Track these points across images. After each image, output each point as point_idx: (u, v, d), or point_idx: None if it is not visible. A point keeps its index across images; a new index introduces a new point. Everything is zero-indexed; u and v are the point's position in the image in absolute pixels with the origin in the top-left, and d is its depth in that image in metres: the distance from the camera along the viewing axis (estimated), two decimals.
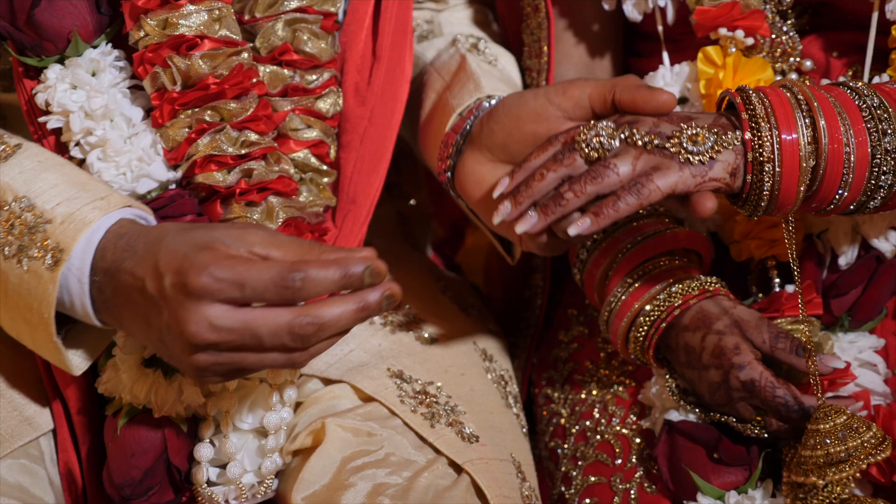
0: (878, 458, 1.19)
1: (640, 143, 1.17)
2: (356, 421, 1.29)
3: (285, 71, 1.30)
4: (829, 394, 1.31)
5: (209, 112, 1.24)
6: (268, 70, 1.29)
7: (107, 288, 1.15)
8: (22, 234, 1.16)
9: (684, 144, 1.16)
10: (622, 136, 1.17)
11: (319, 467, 1.26)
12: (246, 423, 1.28)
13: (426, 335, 1.42)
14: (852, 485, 1.23)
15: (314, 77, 1.32)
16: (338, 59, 1.36)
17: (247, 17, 1.29)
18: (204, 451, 1.26)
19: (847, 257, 1.38)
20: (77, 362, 1.20)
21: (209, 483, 1.27)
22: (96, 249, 1.15)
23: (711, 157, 1.16)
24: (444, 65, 1.48)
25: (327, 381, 1.34)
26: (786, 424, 1.28)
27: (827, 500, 1.22)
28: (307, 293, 1.09)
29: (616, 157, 1.16)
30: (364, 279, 1.10)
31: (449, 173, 1.36)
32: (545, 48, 1.46)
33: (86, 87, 1.24)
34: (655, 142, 1.16)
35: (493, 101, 1.37)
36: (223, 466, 1.27)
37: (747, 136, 1.16)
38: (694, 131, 1.16)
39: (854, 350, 1.36)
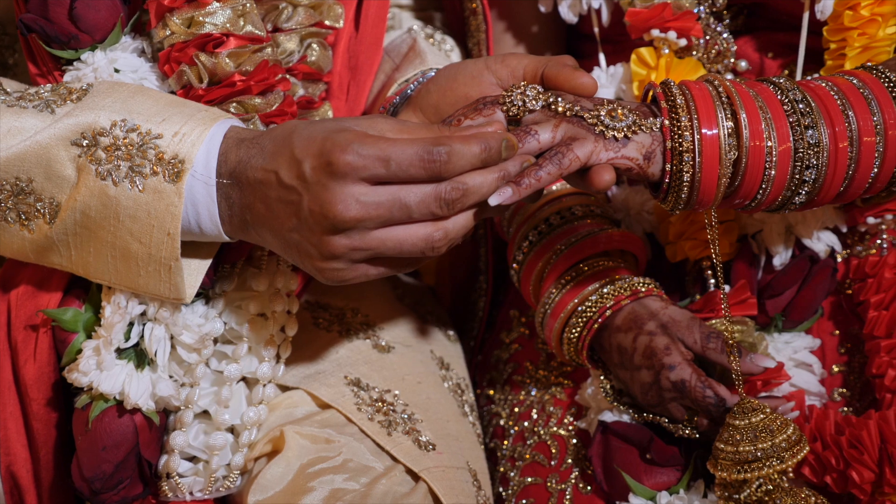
0: (789, 463, 1.19)
1: (560, 109, 1.18)
2: (314, 428, 1.30)
3: (298, 82, 1.33)
4: (763, 394, 1.31)
5: (234, 106, 1.26)
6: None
7: (232, 192, 1.15)
8: (130, 154, 1.16)
9: (601, 117, 1.17)
10: (546, 101, 1.18)
11: (277, 474, 1.27)
12: (225, 419, 1.28)
13: (383, 343, 1.43)
14: (781, 480, 1.23)
15: (316, 90, 1.35)
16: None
17: (269, 28, 1.31)
18: (179, 439, 1.26)
19: (781, 257, 1.38)
20: (188, 291, 1.20)
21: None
22: (218, 154, 1.16)
23: (626, 136, 1.17)
24: (396, 48, 1.49)
25: (284, 388, 1.35)
26: (717, 424, 1.28)
27: (755, 497, 1.22)
28: (453, 166, 1.10)
29: (537, 124, 1.17)
30: (501, 152, 1.12)
31: None
32: (484, 52, 1.47)
33: (134, 72, 1.27)
34: (576, 108, 1.17)
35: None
36: (189, 459, 1.28)
37: (665, 122, 1.17)
38: (612, 108, 1.18)
39: (789, 350, 1.36)
